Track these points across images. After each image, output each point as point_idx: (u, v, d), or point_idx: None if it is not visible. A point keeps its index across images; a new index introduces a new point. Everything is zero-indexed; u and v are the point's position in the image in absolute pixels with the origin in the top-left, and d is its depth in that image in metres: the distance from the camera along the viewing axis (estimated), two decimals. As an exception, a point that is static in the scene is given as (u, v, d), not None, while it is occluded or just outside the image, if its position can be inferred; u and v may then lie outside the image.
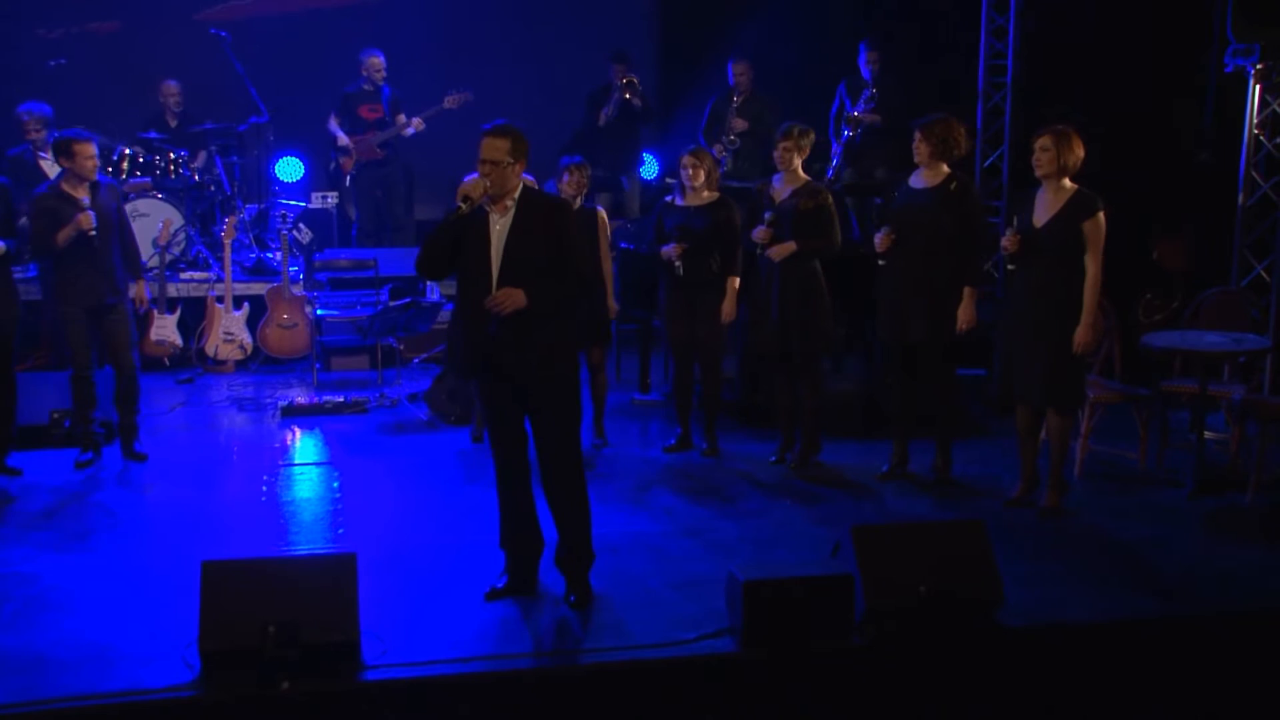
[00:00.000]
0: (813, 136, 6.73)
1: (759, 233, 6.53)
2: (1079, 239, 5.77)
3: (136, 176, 9.38)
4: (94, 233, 6.49)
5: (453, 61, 10.42)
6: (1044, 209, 5.88)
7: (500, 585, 5.07)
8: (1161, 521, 6.03)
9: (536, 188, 5.14)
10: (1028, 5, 9.64)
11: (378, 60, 9.96)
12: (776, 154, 6.59)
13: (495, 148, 4.82)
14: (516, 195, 4.90)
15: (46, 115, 8.26)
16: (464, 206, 4.80)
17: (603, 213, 7.03)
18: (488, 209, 4.89)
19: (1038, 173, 5.90)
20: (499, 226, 4.87)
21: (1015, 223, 6.01)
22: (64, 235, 6.47)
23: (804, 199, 6.54)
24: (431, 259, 4.99)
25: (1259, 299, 7.43)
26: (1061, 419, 5.98)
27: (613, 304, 7.02)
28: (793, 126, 6.65)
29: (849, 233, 7.88)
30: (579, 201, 6.85)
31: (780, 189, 6.63)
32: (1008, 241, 5.93)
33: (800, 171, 6.65)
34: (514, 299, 4.75)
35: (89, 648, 4.57)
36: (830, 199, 6.64)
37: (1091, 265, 5.78)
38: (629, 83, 9.88)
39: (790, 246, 6.49)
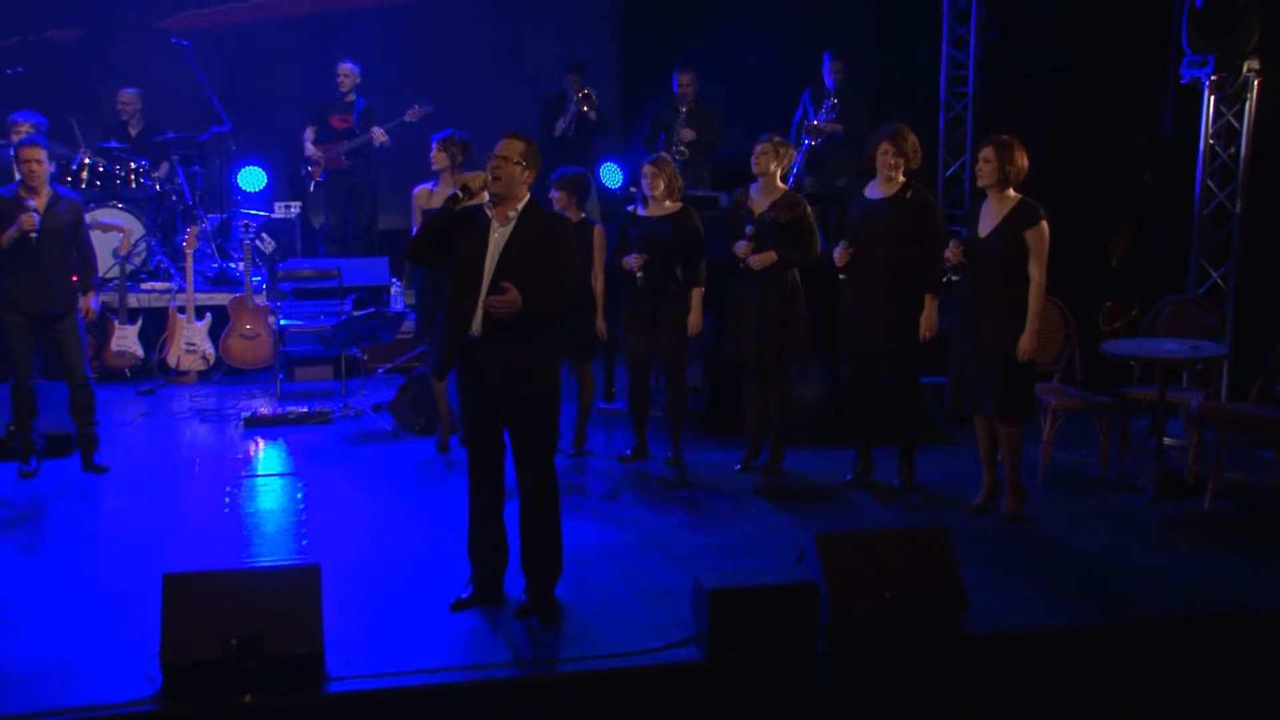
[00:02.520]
0: (793, 150, 6.75)
1: (741, 246, 6.54)
2: (1022, 248, 5.84)
3: (96, 187, 9.30)
4: (35, 234, 6.46)
5: (415, 72, 10.39)
6: (988, 219, 5.96)
7: (465, 595, 5.05)
8: (1122, 527, 6.09)
9: (544, 207, 5.15)
10: (989, 15, 9.73)
11: (349, 69, 9.89)
12: (753, 159, 6.59)
13: (510, 146, 4.87)
14: (521, 206, 4.88)
15: (34, 122, 8.23)
16: (461, 195, 4.81)
17: (600, 230, 6.97)
18: (489, 212, 4.87)
19: (979, 183, 6.03)
20: (498, 235, 4.85)
21: (963, 234, 6.09)
22: (7, 237, 6.46)
23: (783, 210, 6.55)
24: (422, 246, 5.00)
25: (1215, 306, 7.53)
26: (1010, 428, 6.02)
27: (601, 325, 6.96)
28: (773, 134, 6.68)
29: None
30: (580, 215, 6.83)
31: (759, 199, 6.64)
32: (950, 252, 5.99)
33: (777, 180, 6.68)
34: (510, 301, 4.70)
35: (47, 663, 4.52)
36: (809, 209, 6.65)
37: (1035, 273, 5.84)
38: (585, 95, 9.88)
39: (771, 256, 6.51)
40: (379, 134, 9.70)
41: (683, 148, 9.48)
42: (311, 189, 10.03)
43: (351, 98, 9.92)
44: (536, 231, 4.87)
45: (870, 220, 6.30)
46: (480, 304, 4.80)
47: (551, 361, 5.00)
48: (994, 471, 6.22)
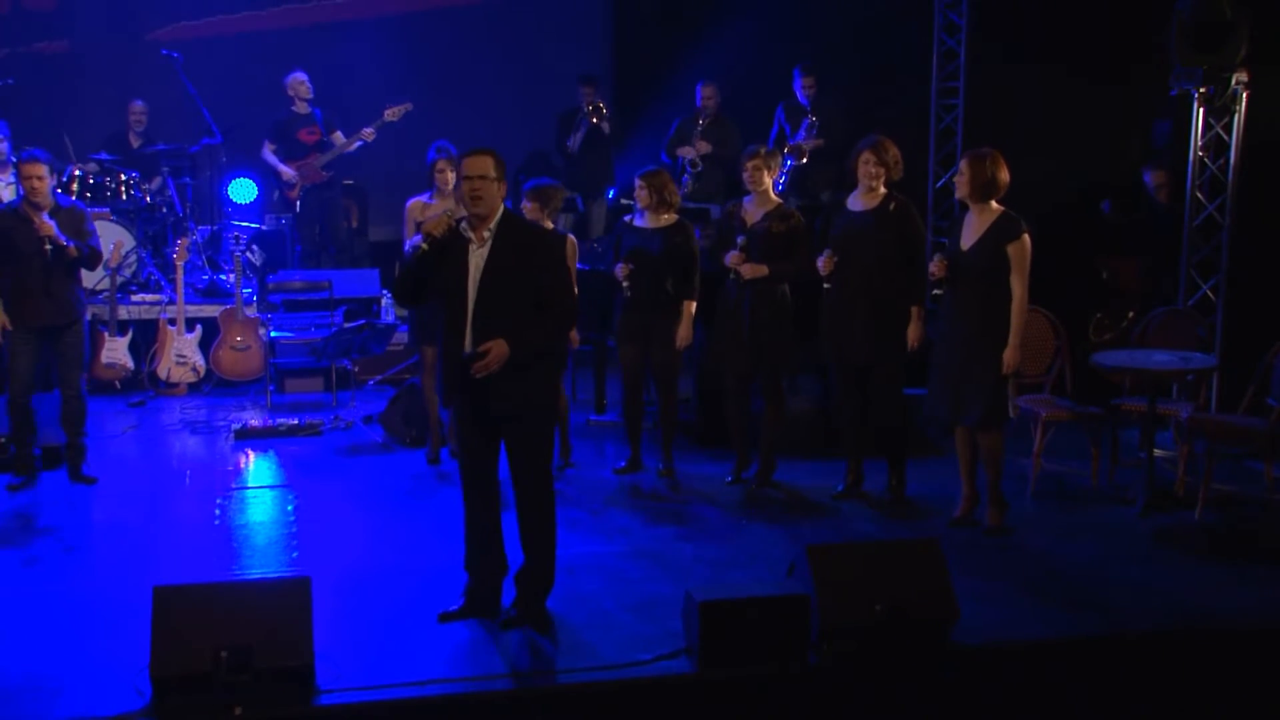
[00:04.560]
0: (779, 158, 6.75)
1: (732, 257, 6.54)
2: (1003, 262, 5.85)
3: (86, 198, 9.29)
4: (50, 248, 6.41)
5: (409, 83, 10.39)
6: (970, 232, 5.98)
7: (455, 608, 5.04)
8: (1112, 539, 6.10)
9: (519, 215, 5.09)
10: (978, 27, 9.76)
11: (301, 79, 9.78)
12: (746, 174, 6.59)
13: (481, 164, 4.79)
14: (495, 223, 4.83)
15: None
16: (425, 246, 4.78)
17: (572, 239, 6.94)
18: (467, 234, 4.83)
19: (957, 195, 6.05)
20: (476, 257, 4.81)
21: (946, 247, 6.11)
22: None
23: (775, 222, 6.56)
24: (404, 293, 5.07)
25: (1205, 318, 7.56)
26: (990, 436, 6.03)
27: (574, 335, 6.92)
28: (760, 146, 6.69)
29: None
30: (549, 226, 6.82)
31: (752, 211, 6.64)
32: (935, 266, 6.01)
33: (771, 193, 6.69)
34: (498, 355, 4.68)
35: (36, 676, 4.50)
36: (802, 222, 6.65)
37: (1017, 287, 5.85)
38: (596, 107, 9.89)
39: (762, 269, 6.51)
40: (367, 133, 9.60)
41: (697, 159, 9.50)
42: (299, 209, 9.93)
43: (308, 109, 9.85)
44: (515, 247, 4.82)
45: (854, 232, 6.31)
46: (469, 326, 4.79)
47: (550, 378, 5.01)
48: (973, 483, 6.22)
